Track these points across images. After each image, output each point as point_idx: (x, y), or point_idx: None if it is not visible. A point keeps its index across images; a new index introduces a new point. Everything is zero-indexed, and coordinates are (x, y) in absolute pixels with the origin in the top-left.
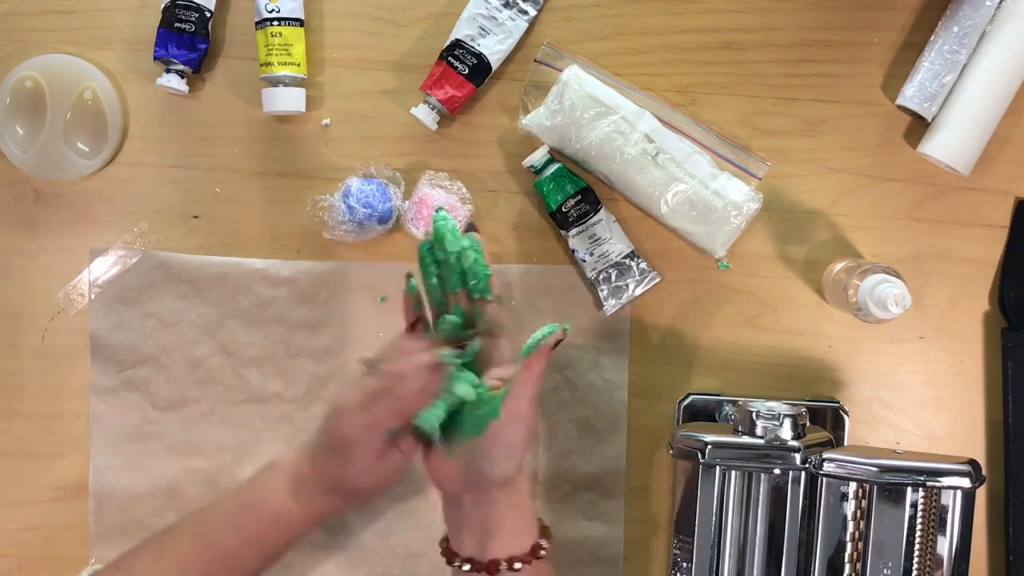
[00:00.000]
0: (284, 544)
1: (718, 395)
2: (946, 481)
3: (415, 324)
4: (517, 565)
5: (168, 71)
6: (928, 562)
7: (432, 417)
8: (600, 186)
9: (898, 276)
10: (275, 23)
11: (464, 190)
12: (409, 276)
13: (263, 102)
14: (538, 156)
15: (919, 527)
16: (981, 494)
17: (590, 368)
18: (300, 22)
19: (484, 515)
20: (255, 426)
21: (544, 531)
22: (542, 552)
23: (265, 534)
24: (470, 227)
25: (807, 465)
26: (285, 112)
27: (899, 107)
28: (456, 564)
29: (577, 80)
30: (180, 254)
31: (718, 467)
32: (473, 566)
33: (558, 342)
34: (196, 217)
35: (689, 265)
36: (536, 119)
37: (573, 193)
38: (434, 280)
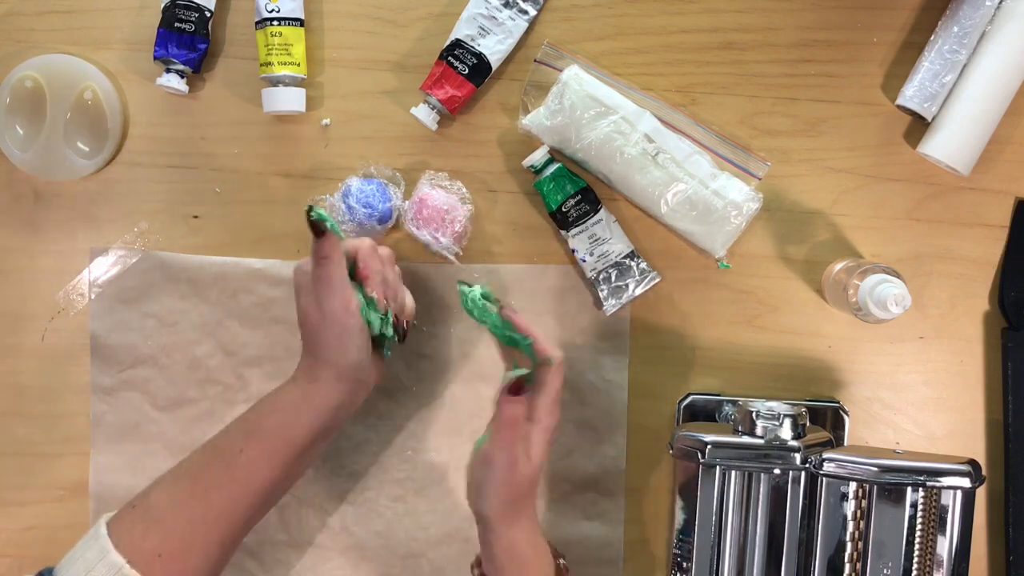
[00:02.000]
0: (287, 441)
1: (718, 395)
2: (946, 481)
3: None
4: None
5: (168, 71)
6: (928, 562)
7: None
8: (600, 186)
9: (898, 276)
10: (275, 23)
11: (464, 190)
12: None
13: (263, 102)
14: (538, 156)
15: (919, 527)
16: (981, 494)
17: (590, 368)
18: (300, 22)
19: (494, 544)
20: None
21: (556, 553)
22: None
23: (267, 426)
24: (491, 300)
25: (807, 465)
26: (285, 112)
27: (899, 107)
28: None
29: (577, 80)
30: (180, 254)
31: (718, 467)
32: None
33: (520, 386)
34: (196, 217)
35: (689, 265)
36: (536, 119)
37: (573, 193)
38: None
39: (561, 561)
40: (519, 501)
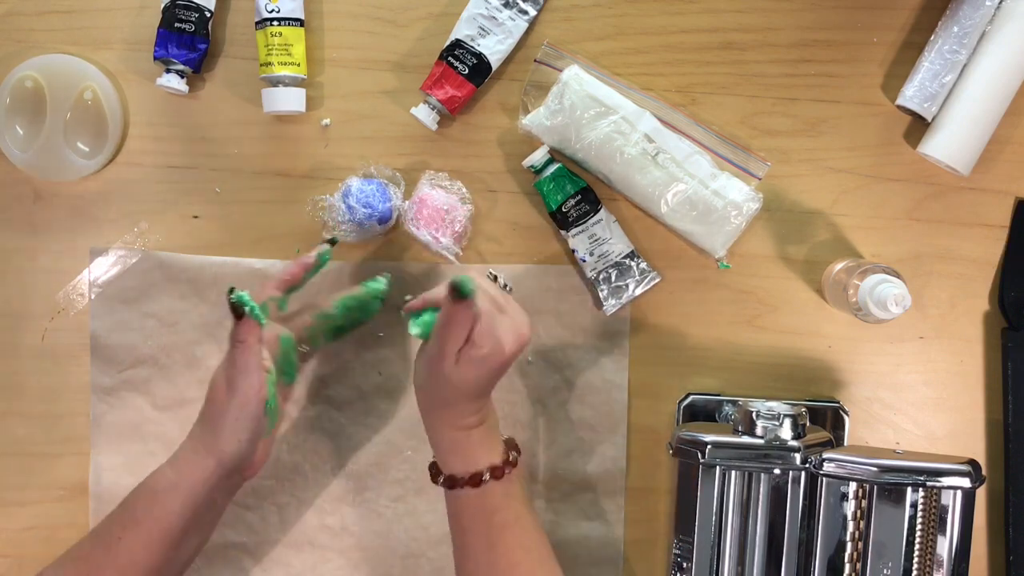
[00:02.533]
0: (160, 526)
1: (718, 395)
2: (946, 481)
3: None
4: (486, 476)
5: (168, 71)
6: (928, 562)
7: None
8: (600, 186)
9: (898, 276)
10: (275, 23)
11: (464, 190)
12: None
13: (263, 102)
14: (538, 156)
15: (919, 527)
16: (981, 494)
17: (590, 368)
18: (300, 22)
19: (456, 429)
20: None
21: (510, 442)
22: (511, 458)
23: (138, 513)
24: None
25: (807, 465)
26: (285, 112)
27: (899, 107)
28: (440, 481)
29: (577, 80)
30: (180, 254)
31: (718, 467)
32: (455, 481)
33: (458, 292)
34: (196, 217)
35: (689, 265)
36: (536, 119)
37: (573, 193)
38: None
39: (512, 454)
40: (441, 398)
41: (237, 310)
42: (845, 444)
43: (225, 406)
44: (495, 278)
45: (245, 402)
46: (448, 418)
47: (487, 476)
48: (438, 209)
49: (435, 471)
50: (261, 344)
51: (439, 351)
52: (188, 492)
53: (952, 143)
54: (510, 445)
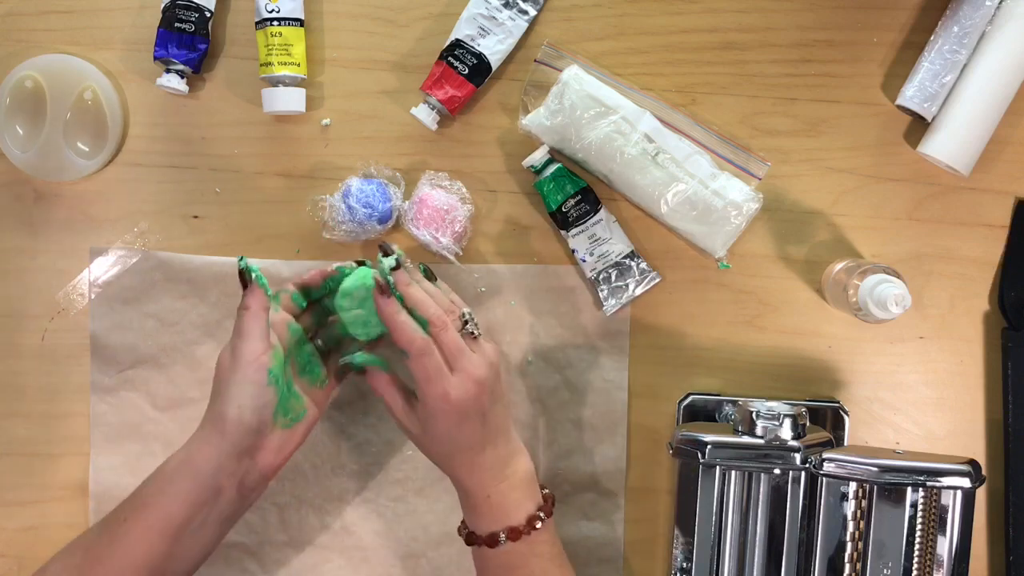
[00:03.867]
0: (164, 514)
1: (718, 395)
2: (946, 481)
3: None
4: (502, 537)
5: (168, 71)
6: (928, 562)
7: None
8: (600, 186)
9: (898, 276)
10: (275, 23)
11: (464, 190)
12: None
13: (263, 102)
14: (538, 156)
15: (919, 527)
16: (981, 494)
17: (590, 368)
18: (300, 22)
19: (465, 488)
20: None
21: (547, 499)
22: (538, 524)
23: (154, 507)
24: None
25: (807, 465)
26: (285, 112)
27: (899, 107)
28: (462, 536)
29: (577, 80)
30: (180, 254)
31: (718, 467)
32: (473, 539)
33: (348, 367)
34: (196, 217)
35: (689, 265)
36: (536, 119)
37: (573, 193)
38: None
39: (545, 490)
40: (468, 439)
41: (244, 276)
42: (845, 444)
43: (227, 373)
44: (465, 321)
45: (245, 365)
46: (457, 472)
47: (503, 537)
48: (438, 209)
49: (462, 523)
50: (266, 314)
51: (395, 420)
52: (194, 471)
53: (952, 143)
54: (541, 503)
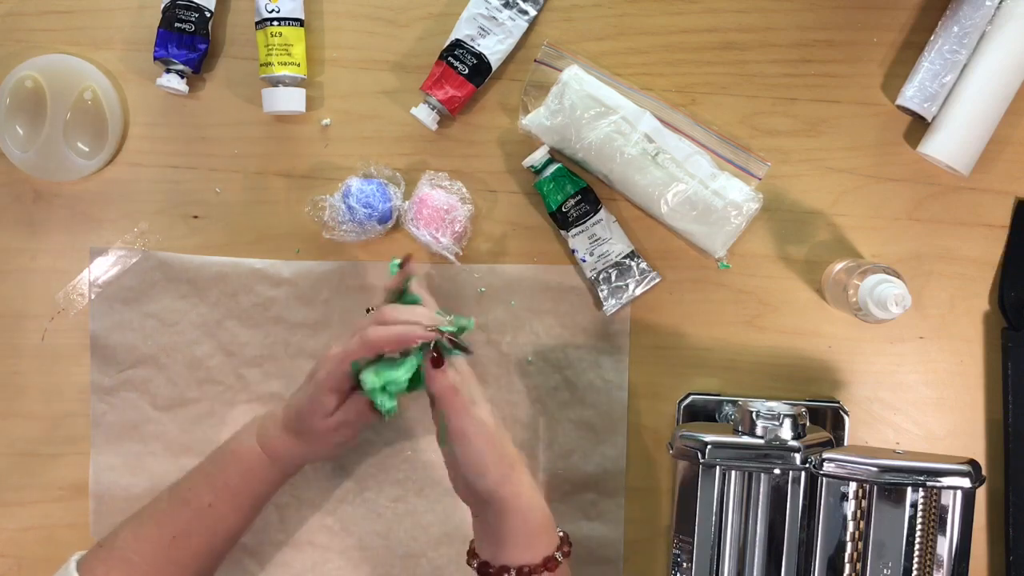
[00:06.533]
0: (253, 494)
1: (718, 395)
2: (946, 481)
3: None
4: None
5: (168, 71)
6: (928, 562)
7: (371, 378)
8: (600, 186)
9: (898, 276)
10: (275, 23)
11: (464, 190)
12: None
13: (263, 102)
14: (538, 156)
15: (919, 527)
16: (981, 494)
17: (590, 368)
18: (300, 22)
19: (490, 523)
20: None
21: (563, 540)
22: (556, 563)
23: (233, 483)
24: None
25: (807, 465)
26: (285, 112)
27: (899, 107)
28: (472, 565)
29: (577, 80)
30: (180, 254)
31: (718, 467)
32: (484, 570)
33: (439, 358)
34: (196, 217)
35: (689, 265)
36: (536, 119)
37: (573, 193)
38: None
39: (560, 531)
40: (507, 456)
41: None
42: (845, 444)
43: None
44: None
45: (320, 359)
46: (471, 502)
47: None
48: (438, 209)
49: (471, 552)
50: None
51: (449, 462)
52: (272, 466)
53: (952, 143)
54: (558, 544)
